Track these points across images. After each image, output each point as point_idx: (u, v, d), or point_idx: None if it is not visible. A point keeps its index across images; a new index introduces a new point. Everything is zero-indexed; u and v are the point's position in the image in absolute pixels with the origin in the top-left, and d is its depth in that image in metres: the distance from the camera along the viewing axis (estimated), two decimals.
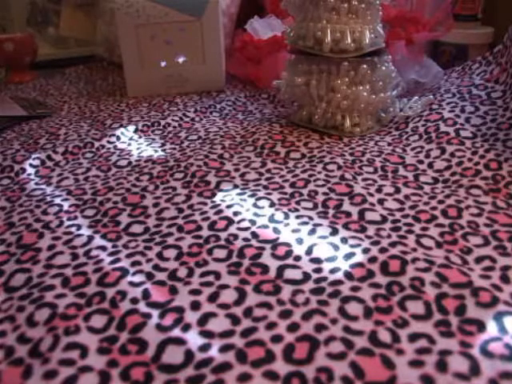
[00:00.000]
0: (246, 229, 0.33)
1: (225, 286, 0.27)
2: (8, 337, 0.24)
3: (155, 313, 0.25)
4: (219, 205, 0.36)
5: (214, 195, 0.38)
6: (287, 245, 0.31)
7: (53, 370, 0.22)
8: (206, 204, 0.36)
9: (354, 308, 0.25)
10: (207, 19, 0.65)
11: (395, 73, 0.51)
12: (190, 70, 0.68)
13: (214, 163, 0.43)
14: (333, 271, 0.28)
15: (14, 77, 0.85)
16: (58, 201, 0.38)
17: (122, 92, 0.71)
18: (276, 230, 0.32)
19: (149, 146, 0.49)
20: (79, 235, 0.33)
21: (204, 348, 0.23)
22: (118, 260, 0.30)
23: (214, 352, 0.23)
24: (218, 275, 0.28)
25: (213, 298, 0.26)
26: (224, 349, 0.23)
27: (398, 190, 0.37)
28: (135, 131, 0.52)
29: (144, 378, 0.22)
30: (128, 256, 0.30)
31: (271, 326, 0.24)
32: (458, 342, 0.23)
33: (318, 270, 0.28)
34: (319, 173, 0.41)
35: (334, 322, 0.24)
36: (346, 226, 0.33)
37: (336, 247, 0.30)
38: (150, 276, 0.28)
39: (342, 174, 0.40)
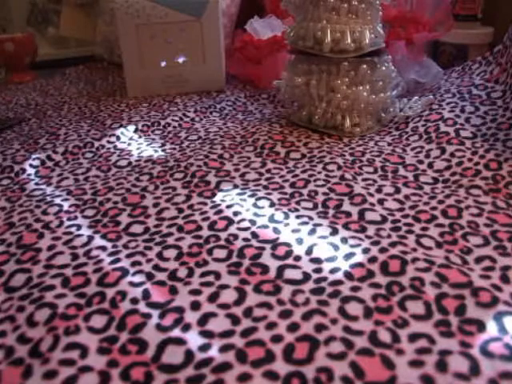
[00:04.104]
0: (246, 229, 0.33)
1: (225, 286, 0.27)
2: (8, 337, 0.24)
3: (155, 313, 0.25)
4: (219, 205, 0.36)
5: (214, 195, 0.38)
6: (287, 245, 0.31)
7: (53, 370, 0.22)
8: (206, 204, 0.36)
9: (353, 308, 0.25)
10: (207, 19, 0.65)
11: (395, 73, 0.51)
12: (190, 70, 0.68)
13: (214, 163, 0.43)
14: (333, 271, 0.28)
15: (14, 77, 0.85)
16: (58, 201, 0.38)
17: (122, 92, 0.71)
18: (276, 230, 0.32)
19: (149, 146, 0.49)
20: (79, 235, 0.33)
21: (204, 348, 0.23)
22: (118, 260, 0.30)
23: (214, 352, 0.23)
24: (218, 275, 0.28)
25: (213, 298, 0.26)
26: (224, 349, 0.23)
27: (397, 190, 0.37)
28: (135, 131, 0.52)
29: (144, 378, 0.22)
30: (128, 256, 0.30)
31: (271, 325, 0.24)
32: (457, 341, 0.23)
33: (318, 270, 0.28)
34: (319, 173, 0.41)
35: (333, 321, 0.24)
36: (346, 226, 0.33)
37: (336, 247, 0.30)
38: (150, 276, 0.28)
39: (342, 174, 0.40)
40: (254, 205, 0.36)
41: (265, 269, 0.29)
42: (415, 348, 0.23)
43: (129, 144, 0.50)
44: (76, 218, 0.35)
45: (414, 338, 0.23)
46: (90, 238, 0.33)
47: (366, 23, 0.47)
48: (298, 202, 0.36)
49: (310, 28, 0.47)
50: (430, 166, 0.41)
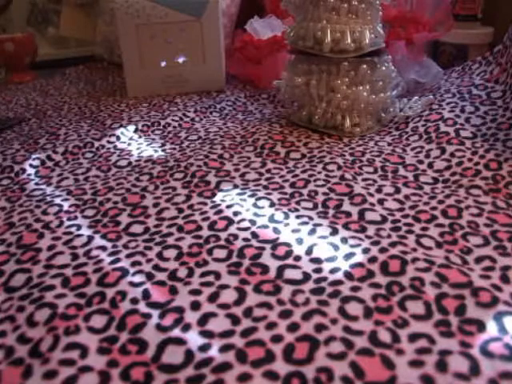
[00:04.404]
0: (246, 229, 0.33)
1: (225, 286, 0.27)
2: (8, 337, 0.24)
3: (155, 313, 0.25)
4: (219, 205, 0.36)
5: (214, 195, 0.38)
6: (287, 245, 0.31)
7: (53, 370, 0.22)
8: (206, 204, 0.36)
9: (354, 308, 0.25)
10: (207, 19, 0.65)
11: (395, 73, 0.51)
12: (189, 70, 0.68)
13: (214, 163, 0.43)
14: (333, 271, 0.28)
15: (14, 77, 0.85)
16: (58, 201, 0.38)
17: (122, 92, 0.71)
18: (276, 230, 0.32)
19: (149, 146, 0.49)
20: (79, 235, 0.33)
21: (204, 348, 0.23)
22: (118, 260, 0.30)
23: (214, 352, 0.23)
24: (218, 275, 0.28)
25: (213, 298, 0.26)
26: (224, 349, 0.23)
27: (397, 190, 0.37)
28: (135, 131, 0.52)
29: (144, 378, 0.22)
30: (128, 256, 0.30)
31: (271, 325, 0.24)
32: (457, 341, 0.23)
33: (318, 270, 0.28)
34: (319, 173, 0.41)
35: (333, 321, 0.24)
36: (345, 226, 0.33)
37: (336, 247, 0.30)
38: (150, 276, 0.28)
39: (342, 174, 0.40)
40: (254, 205, 0.36)
41: (265, 269, 0.29)
42: (415, 348, 0.23)
43: (129, 144, 0.50)
44: (76, 218, 0.35)
45: (413, 337, 0.23)
46: (90, 238, 0.33)
47: (366, 23, 0.47)
48: (298, 202, 0.36)
49: (310, 28, 0.47)
50: (430, 165, 0.41)
